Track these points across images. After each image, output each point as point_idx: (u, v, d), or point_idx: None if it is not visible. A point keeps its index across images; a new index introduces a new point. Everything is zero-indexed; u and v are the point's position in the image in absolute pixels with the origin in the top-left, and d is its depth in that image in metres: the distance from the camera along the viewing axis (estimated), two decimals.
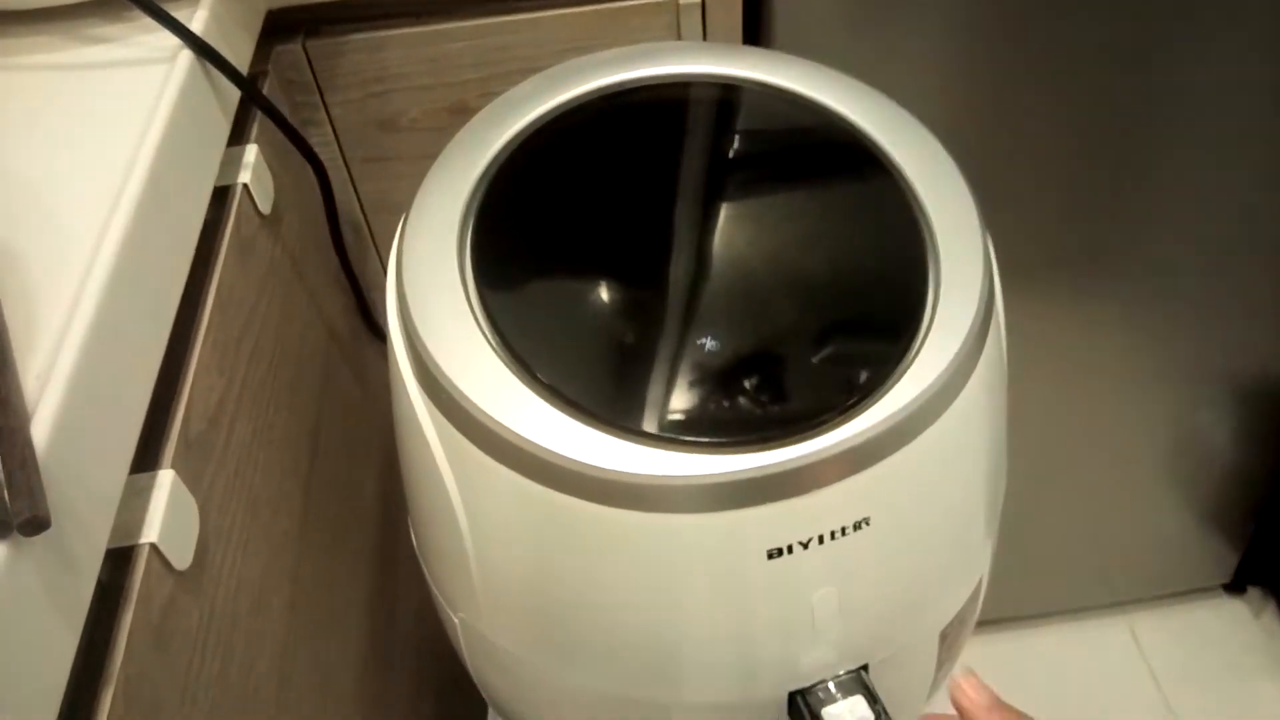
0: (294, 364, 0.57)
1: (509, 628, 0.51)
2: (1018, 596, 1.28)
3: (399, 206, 0.50)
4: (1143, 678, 1.33)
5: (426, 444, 0.46)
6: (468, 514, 0.46)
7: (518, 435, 0.42)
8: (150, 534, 0.37)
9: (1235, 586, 1.40)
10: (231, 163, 0.54)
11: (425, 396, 0.45)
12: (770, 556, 0.44)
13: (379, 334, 0.47)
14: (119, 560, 0.37)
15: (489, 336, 0.45)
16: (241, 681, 0.44)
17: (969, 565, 0.52)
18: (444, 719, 0.79)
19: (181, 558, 0.39)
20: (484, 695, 0.63)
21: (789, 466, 0.41)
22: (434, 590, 0.56)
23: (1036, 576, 1.26)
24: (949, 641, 0.55)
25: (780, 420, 0.43)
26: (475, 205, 0.50)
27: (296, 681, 0.51)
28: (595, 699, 0.53)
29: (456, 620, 0.55)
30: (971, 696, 0.46)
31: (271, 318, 0.54)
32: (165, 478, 0.39)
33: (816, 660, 0.48)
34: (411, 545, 0.56)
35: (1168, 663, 1.34)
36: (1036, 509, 1.16)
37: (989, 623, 1.26)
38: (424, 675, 0.74)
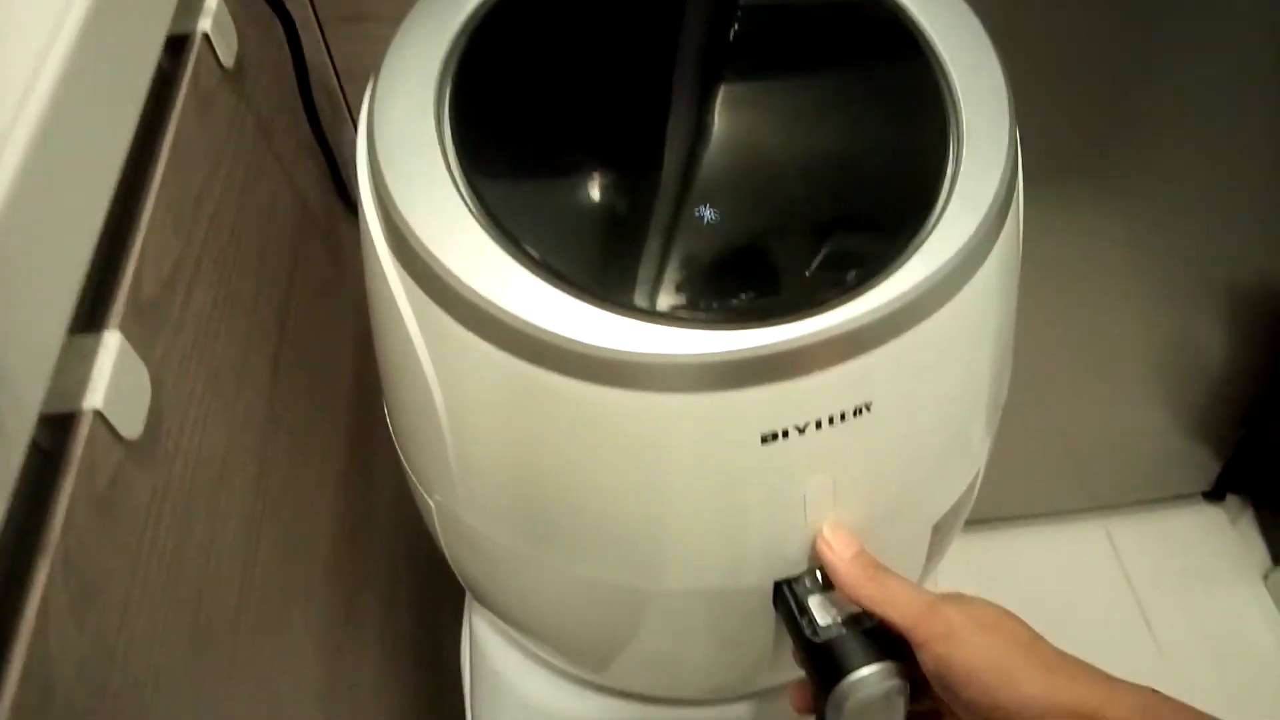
0: (260, 233, 0.53)
1: (486, 511, 0.49)
2: (996, 498, 1.27)
3: None
4: (1117, 582, 1.34)
5: (401, 318, 0.43)
6: (444, 392, 0.44)
7: (498, 307, 0.39)
8: (94, 399, 0.34)
9: (1215, 494, 1.41)
10: (190, 8, 0.49)
11: (399, 266, 0.42)
12: (764, 441, 0.41)
13: (355, 210, 0.43)
14: (60, 426, 0.34)
15: (468, 202, 0.41)
16: (201, 560, 0.42)
17: (968, 458, 0.50)
18: (421, 606, 0.78)
19: (130, 426, 0.36)
20: (461, 582, 0.62)
21: (788, 346, 0.39)
22: (409, 473, 0.54)
23: (1016, 478, 1.26)
24: (941, 534, 0.54)
25: (780, 298, 0.40)
26: (455, 61, 0.46)
27: (263, 563, 0.49)
28: (574, 585, 0.51)
29: (432, 503, 0.52)
30: (837, 550, 0.44)
31: (234, 181, 0.50)
32: (111, 340, 0.36)
33: (806, 550, 0.46)
34: (388, 429, 0.54)
35: (1142, 567, 1.35)
36: (1020, 411, 1.14)
37: (966, 523, 1.26)
38: (400, 562, 0.73)
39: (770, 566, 0.47)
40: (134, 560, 0.37)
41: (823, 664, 0.44)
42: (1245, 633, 1.33)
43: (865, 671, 0.42)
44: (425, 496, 0.53)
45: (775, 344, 0.38)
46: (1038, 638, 0.40)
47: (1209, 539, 1.39)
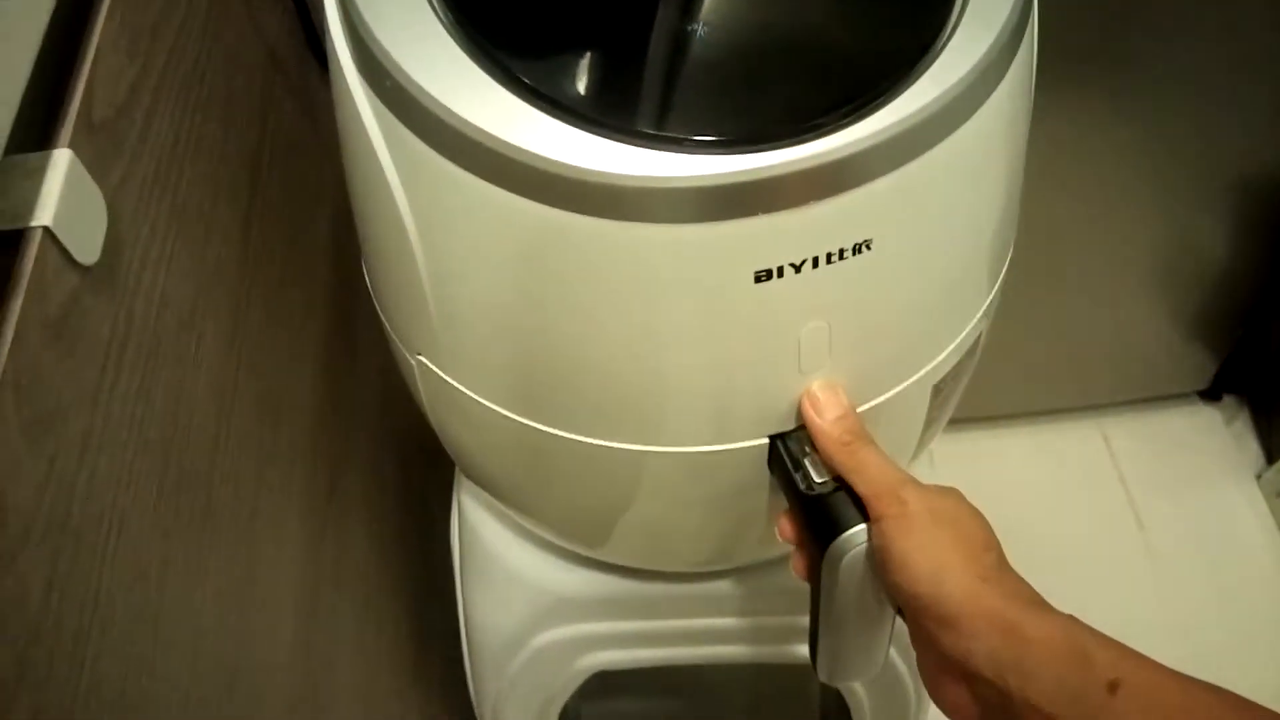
0: (224, 76, 0.50)
1: (468, 366, 0.47)
2: (992, 395, 1.27)
3: None
4: (1111, 481, 1.34)
5: (372, 150, 0.40)
6: (419, 228, 0.41)
7: (475, 127, 0.36)
8: (43, 216, 0.32)
9: (1211, 394, 1.40)
10: None
11: (369, 89, 0.39)
12: (758, 279, 0.39)
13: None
14: (9, 245, 0.32)
15: (442, 18, 0.38)
16: (170, 406, 0.40)
17: (970, 310, 0.48)
18: (409, 487, 0.77)
19: (85, 251, 0.34)
20: (449, 452, 0.60)
21: (781, 171, 0.36)
22: (390, 334, 0.51)
23: (1012, 376, 1.25)
24: (941, 398, 0.52)
25: (777, 121, 0.38)
26: None
27: (239, 423, 0.47)
28: (563, 450, 0.49)
29: (414, 364, 0.50)
30: (820, 410, 0.43)
31: (194, 16, 0.47)
32: (61, 157, 0.33)
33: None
34: (371, 304, 0.52)
35: (1136, 466, 1.35)
36: (1017, 308, 1.12)
37: (960, 420, 1.25)
38: (386, 441, 0.72)
39: (763, 420, 0.45)
40: (94, 395, 0.35)
41: (817, 520, 0.43)
42: (1236, 532, 1.33)
43: (860, 527, 0.41)
44: (408, 357, 0.51)
45: (768, 168, 0.36)
46: (991, 548, 0.39)
47: (1204, 439, 1.38)
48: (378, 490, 0.69)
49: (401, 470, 0.74)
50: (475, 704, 0.76)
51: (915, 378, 0.48)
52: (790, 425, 0.45)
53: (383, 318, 0.52)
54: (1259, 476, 1.36)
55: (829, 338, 0.43)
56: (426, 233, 0.41)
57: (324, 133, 0.65)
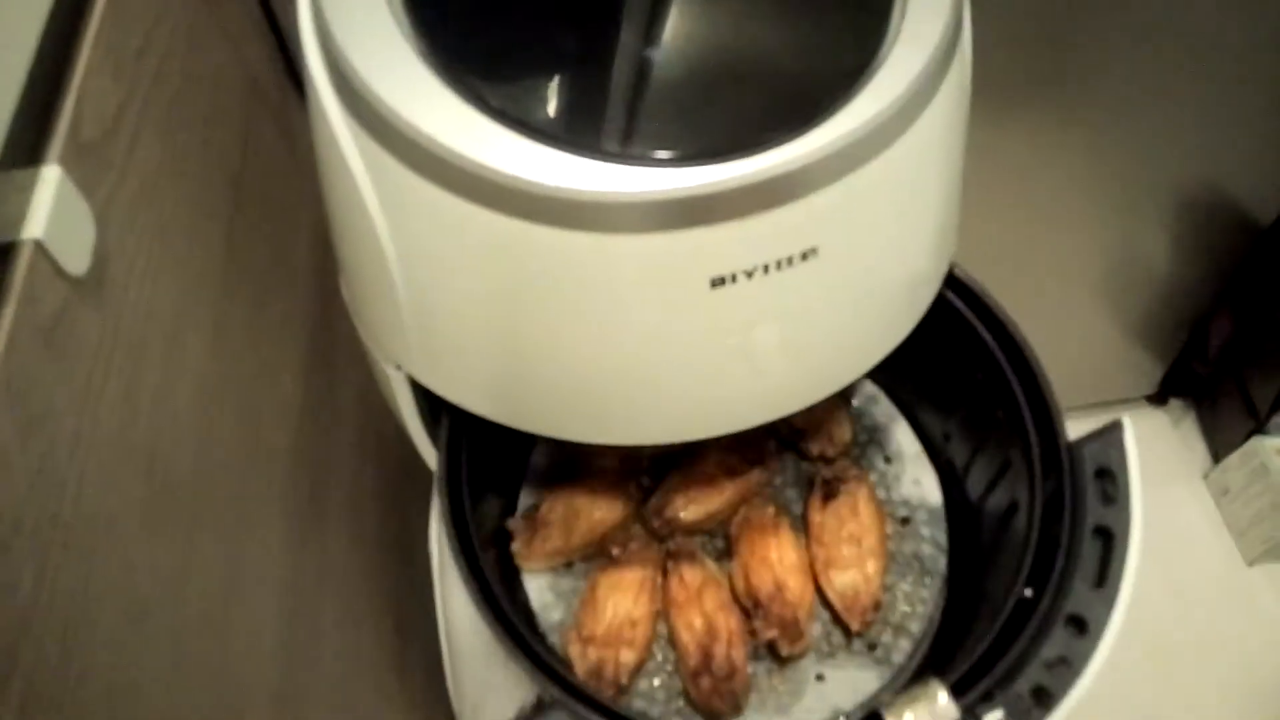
0: (207, 100, 0.52)
1: (444, 373, 0.49)
2: None
3: None
4: None
5: (349, 169, 0.43)
6: (395, 242, 0.43)
7: (444, 147, 0.38)
8: (34, 229, 0.34)
9: (1158, 398, 1.44)
10: None
11: (345, 112, 0.41)
12: (714, 285, 0.42)
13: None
14: (0, 256, 0.34)
15: (412, 40, 0.41)
16: (154, 412, 0.42)
17: (914, 311, 0.51)
18: (389, 498, 0.78)
19: (75, 262, 0.36)
20: (427, 463, 0.62)
21: (735, 184, 0.39)
22: (368, 346, 0.54)
23: None
24: None
25: (727, 137, 0.40)
26: None
27: (222, 430, 0.49)
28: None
29: (391, 374, 0.53)
30: None
31: (179, 41, 0.49)
32: (50, 173, 0.35)
33: (754, 401, 0.47)
34: (349, 321, 0.54)
35: None
36: None
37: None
38: (367, 452, 0.73)
39: (721, 419, 0.48)
40: (83, 399, 0.37)
41: None
42: (1185, 531, 1.37)
43: None
44: (384, 367, 0.53)
45: (719, 181, 0.39)
46: None
47: (1152, 442, 1.42)
48: (358, 496, 0.71)
49: (381, 478, 0.76)
50: (454, 706, 0.77)
51: (859, 373, 0.51)
52: (748, 424, 0.48)
53: (360, 331, 0.54)
54: (1205, 476, 1.40)
55: (782, 339, 0.45)
56: (401, 246, 0.44)
57: (302, 157, 0.67)
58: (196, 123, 0.50)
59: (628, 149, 0.39)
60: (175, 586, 0.43)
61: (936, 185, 0.46)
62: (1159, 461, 1.41)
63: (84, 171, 0.38)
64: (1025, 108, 0.92)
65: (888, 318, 0.49)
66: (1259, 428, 1.29)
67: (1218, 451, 1.38)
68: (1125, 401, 1.42)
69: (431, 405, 0.56)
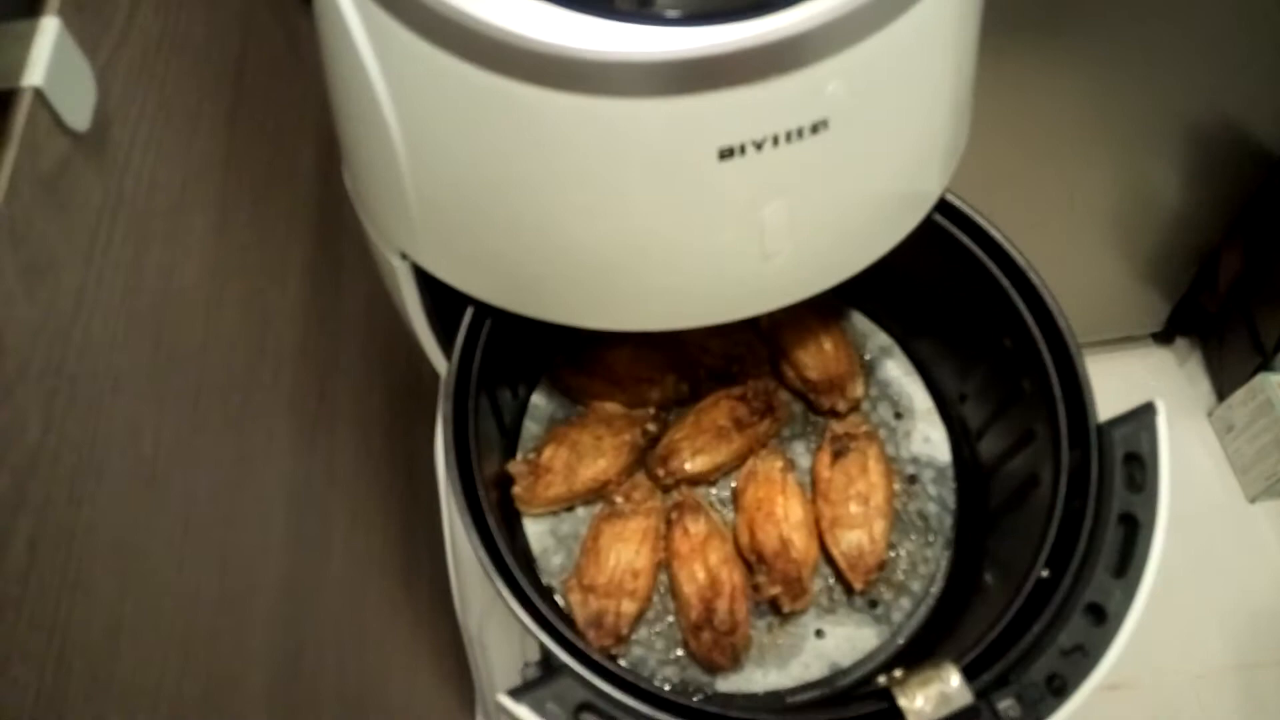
0: None
1: (449, 257, 0.49)
2: None
3: None
4: None
5: (348, 34, 0.42)
6: (395, 107, 0.43)
7: (444, 4, 0.38)
8: (34, 78, 0.34)
9: (1164, 336, 1.44)
10: None
11: None
12: (722, 157, 0.41)
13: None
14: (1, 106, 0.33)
15: None
16: (161, 283, 0.42)
17: (923, 201, 0.50)
18: (395, 403, 0.78)
19: (75, 116, 0.36)
20: (435, 363, 0.62)
21: (744, 45, 0.38)
22: (372, 237, 0.53)
23: None
24: None
25: None
26: None
27: (229, 313, 0.49)
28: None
29: (397, 266, 0.52)
30: None
31: None
32: (49, 24, 0.35)
33: (762, 282, 0.47)
34: (357, 231, 0.53)
35: None
36: None
37: None
38: (374, 358, 0.73)
39: (724, 304, 0.47)
40: (87, 255, 0.37)
41: None
42: (1190, 467, 1.37)
43: None
44: (390, 258, 0.52)
45: (729, 42, 0.38)
46: None
47: (1158, 380, 1.42)
48: (365, 404, 0.71)
49: (388, 390, 0.76)
50: (460, 618, 0.78)
51: (869, 266, 0.50)
52: (750, 312, 0.48)
53: (364, 221, 0.53)
54: (1210, 414, 1.39)
55: (789, 219, 0.45)
56: (404, 118, 0.43)
57: (305, 58, 0.67)
58: (197, 5, 0.50)
59: (636, 6, 0.39)
60: (183, 458, 0.43)
61: (947, 65, 0.46)
62: (1165, 400, 1.40)
63: (83, 28, 0.37)
64: (1031, 37, 0.91)
65: (896, 204, 0.49)
66: (1265, 364, 1.28)
67: (1223, 390, 1.38)
68: (1131, 339, 1.41)
69: (437, 305, 0.56)
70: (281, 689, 0.51)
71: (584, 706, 0.44)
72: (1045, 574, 0.50)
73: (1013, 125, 1.02)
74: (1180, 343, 1.45)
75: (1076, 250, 1.22)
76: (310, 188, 0.65)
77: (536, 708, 0.43)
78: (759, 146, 0.41)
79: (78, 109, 0.36)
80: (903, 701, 0.45)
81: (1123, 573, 0.48)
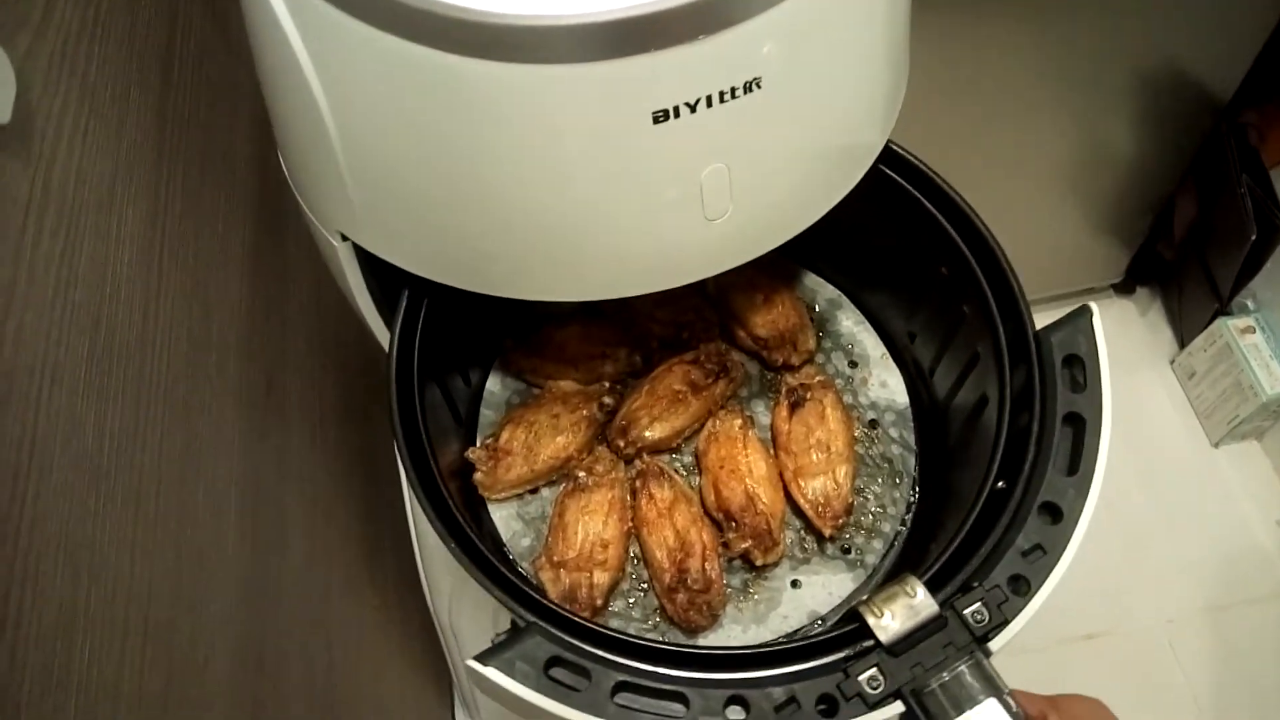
0: None
1: (387, 235, 0.48)
2: None
3: None
4: None
5: (274, 16, 0.42)
6: (324, 87, 0.42)
7: None
8: None
9: (1125, 287, 1.45)
10: None
11: None
12: (656, 120, 0.41)
13: None
14: None
15: None
16: (95, 278, 0.42)
17: (864, 155, 0.50)
18: (349, 393, 0.78)
19: None
20: (380, 342, 0.61)
21: (671, 5, 0.38)
22: (311, 219, 0.53)
23: None
24: None
25: None
26: None
27: (168, 305, 0.49)
28: None
29: (339, 248, 0.52)
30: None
31: None
32: None
33: (705, 248, 0.47)
34: (299, 222, 0.53)
35: None
36: None
37: None
38: (324, 347, 0.73)
39: (668, 270, 0.47)
40: (15, 251, 0.36)
41: None
42: (1154, 414, 1.39)
43: None
44: (330, 239, 0.52)
45: (655, 4, 0.38)
46: None
47: (1119, 329, 1.44)
48: (318, 393, 0.70)
49: (341, 379, 0.76)
50: (430, 603, 0.78)
51: (813, 223, 0.50)
52: (695, 276, 0.48)
53: (303, 204, 0.53)
54: (1172, 362, 1.42)
55: (729, 180, 0.45)
56: (334, 97, 0.43)
57: (236, 46, 0.66)
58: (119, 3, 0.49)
59: None
60: (129, 454, 0.42)
61: (878, 16, 0.46)
62: (1128, 349, 1.43)
63: None
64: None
65: (837, 159, 0.49)
66: (1223, 309, 1.30)
67: (1184, 338, 1.40)
68: (1092, 291, 1.43)
69: (382, 286, 0.56)
70: (247, 681, 0.51)
71: (554, 661, 0.44)
72: (1001, 485, 0.51)
73: (965, 82, 1.02)
74: (1141, 292, 1.47)
75: (1034, 204, 1.23)
76: (248, 175, 0.64)
77: (506, 669, 0.43)
78: (693, 108, 0.41)
79: None
80: (871, 619, 0.45)
81: (1074, 470, 0.50)
